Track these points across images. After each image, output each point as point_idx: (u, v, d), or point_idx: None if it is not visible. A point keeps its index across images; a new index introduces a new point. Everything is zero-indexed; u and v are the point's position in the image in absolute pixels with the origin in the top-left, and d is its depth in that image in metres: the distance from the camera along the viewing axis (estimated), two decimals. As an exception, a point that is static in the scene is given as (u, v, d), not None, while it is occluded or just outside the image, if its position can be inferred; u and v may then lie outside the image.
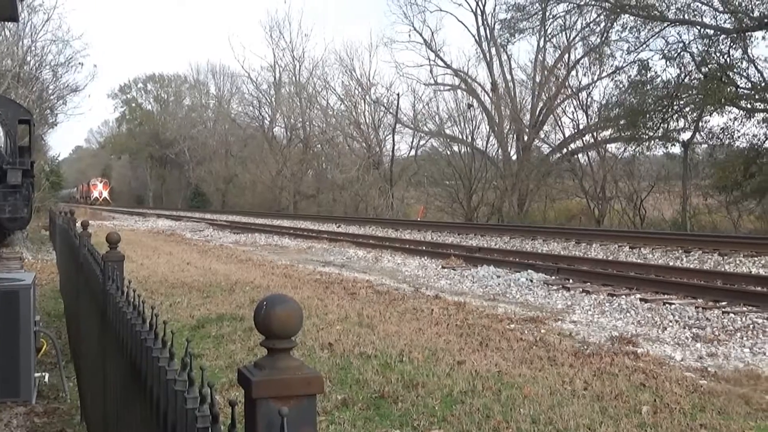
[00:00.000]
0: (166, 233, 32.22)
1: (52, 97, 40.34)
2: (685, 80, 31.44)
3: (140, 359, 2.53)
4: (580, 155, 41.34)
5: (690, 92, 31.01)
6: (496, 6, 52.50)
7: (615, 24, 34.96)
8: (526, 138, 43.22)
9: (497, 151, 45.77)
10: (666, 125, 32.32)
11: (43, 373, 6.89)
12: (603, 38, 37.31)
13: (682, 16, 31.23)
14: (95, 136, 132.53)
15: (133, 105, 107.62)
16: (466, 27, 68.23)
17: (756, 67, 29.71)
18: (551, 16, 39.87)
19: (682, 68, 31.68)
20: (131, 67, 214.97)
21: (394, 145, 53.24)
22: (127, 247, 19.11)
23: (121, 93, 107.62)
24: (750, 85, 29.79)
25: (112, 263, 4.08)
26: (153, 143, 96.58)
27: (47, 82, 39.93)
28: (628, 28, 33.48)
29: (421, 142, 53.28)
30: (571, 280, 14.35)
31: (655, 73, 32.93)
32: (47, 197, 38.30)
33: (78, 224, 7.88)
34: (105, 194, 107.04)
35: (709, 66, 30.22)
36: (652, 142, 33.61)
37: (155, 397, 2.23)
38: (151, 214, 55.88)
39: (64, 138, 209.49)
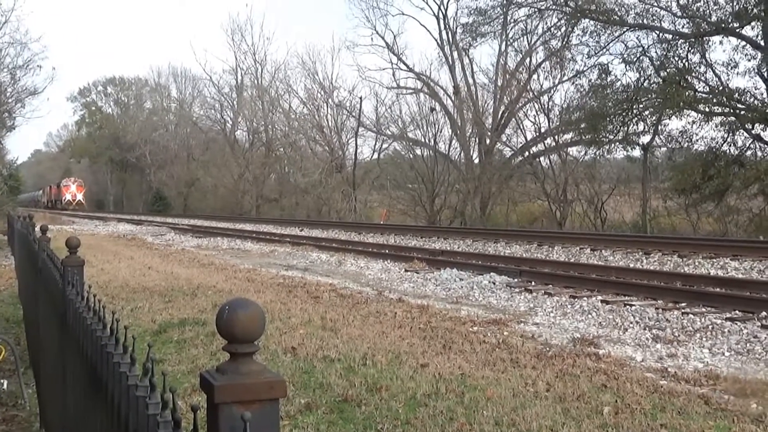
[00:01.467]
0: (127, 237, 31.91)
1: (10, 100, 39.72)
2: (645, 84, 31.83)
3: (101, 365, 2.50)
4: (541, 158, 41.68)
5: (649, 96, 31.37)
6: (458, 10, 52.68)
7: (575, 28, 35.31)
8: (488, 141, 43.45)
9: (460, 154, 45.98)
10: (626, 129, 32.67)
11: (2, 381, 6.80)
12: (564, 42, 37.71)
13: (641, 21, 31.62)
14: (54, 140, 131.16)
15: (93, 108, 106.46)
16: (428, 31, 68.60)
17: (714, 72, 30.18)
18: (512, 21, 40.25)
19: (642, 72, 32.10)
20: (91, 69, 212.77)
21: (356, 148, 53.33)
22: (88, 252, 18.90)
23: (80, 96, 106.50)
24: (708, 89, 30.20)
25: (72, 268, 4.03)
26: (113, 147, 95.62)
27: (5, 84, 39.33)
28: (589, 32, 33.86)
29: (384, 146, 53.40)
30: (533, 283, 14.43)
31: (615, 77, 33.37)
32: (5, 201, 37.78)
33: (37, 229, 7.78)
34: (80, 197, 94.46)
35: (668, 70, 30.61)
36: (613, 145, 33.99)
37: (116, 403, 2.21)
38: (111, 219, 55.30)
39: (23, 142, 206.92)
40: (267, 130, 64.68)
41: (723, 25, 28.82)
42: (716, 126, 29.99)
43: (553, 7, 35.68)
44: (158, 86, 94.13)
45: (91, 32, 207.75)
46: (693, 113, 30.47)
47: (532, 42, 41.53)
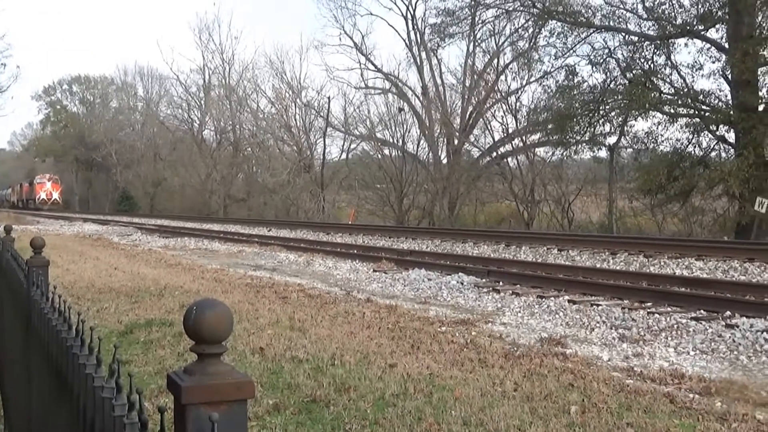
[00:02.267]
0: (92, 238, 31.64)
1: (-27, 99, 39.31)
2: (611, 85, 32.09)
3: (66, 366, 2.48)
4: (509, 159, 41.89)
5: (615, 97, 31.64)
6: (426, 11, 53.04)
7: (543, 30, 35.48)
8: (456, 142, 43.58)
9: (428, 154, 46.11)
10: (593, 129, 32.93)
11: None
12: (531, 44, 37.87)
13: (607, 23, 31.90)
14: (18, 139, 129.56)
15: (58, 107, 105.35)
16: (396, 31, 69.07)
17: (679, 73, 30.49)
18: (480, 22, 40.39)
19: (608, 74, 32.35)
20: (56, 68, 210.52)
21: (325, 148, 53.26)
22: (53, 252, 18.69)
23: (45, 95, 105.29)
24: (673, 90, 30.52)
25: (37, 268, 4.00)
26: (79, 146, 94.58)
27: (-32, 83, 38.88)
28: (556, 33, 34.05)
29: (352, 146, 53.39)
30: (501, 283, 14.49)
31: (582, 78, 33.62)
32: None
33: (0, 228, 7.69)
34: (56, 195, 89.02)
35: (634, 72, 30.92)
36: (580, 146, 34.23)
37: (82, 404, 2.19)
38: (77, 219, 54.74)
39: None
40: (235, 129, 64.42)
41: (688, 28, 29.16)
42: (681, 127, 30.37)
43: (521, 8, 35.86)
44: (125, 85, 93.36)
45: (57, 30, 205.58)
46: (658, 114, 30.82)
47: (500, 43, 41.78)
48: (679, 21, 29.60)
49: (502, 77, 42.48)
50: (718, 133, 29.04)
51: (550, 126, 34.27)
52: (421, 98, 45.99)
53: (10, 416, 5.41)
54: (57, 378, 2.67)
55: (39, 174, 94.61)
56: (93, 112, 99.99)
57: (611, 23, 31.83)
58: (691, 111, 29.57)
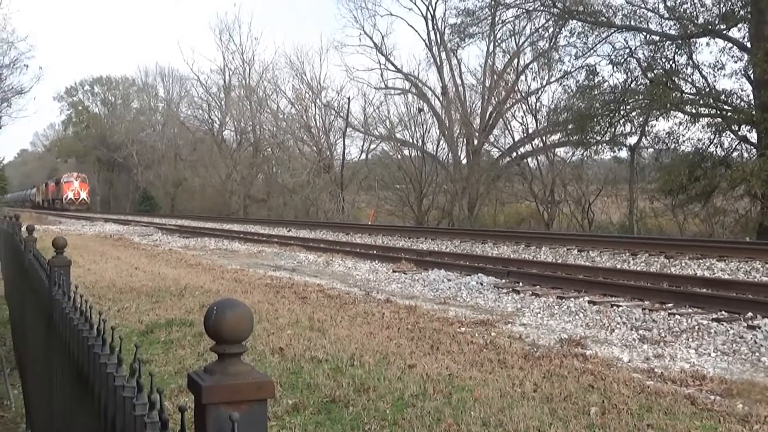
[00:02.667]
0: (114, 238, 31.81)
1: (-4, 100, 39.59)
2: (632, 85, 31.93)
3: (88, 366, 2.49)
4: (529, 159, 41.74)
5: (636, 97, 31.48)
6: (446, 11, 52.89)
7: (563, 29, 35.40)
8: (476, 142, 43.49)
9: (447, 155, 46.03)
10: (613, 129, 32.79)
11: (-13, 381, 6.77)
12: (551, 43, 37.78)
13: (628, 23, 31.76)
14: (41, 140, 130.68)
15: (80, 108, 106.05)
16: (416, 31, 68.75)
17: (700, 73, 30.30)
18: (500, 22, 40.29)
19: (629, 73, 32.20)
20: (78, 69, 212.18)
21: (344, 148, 53.33)
22: (74, 252, 18.83)
23: (67, 95, 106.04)
24: (695, 90, 30.34)
25: (59, 268, 4.02)
26: (100, 147, 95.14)
27: (-9, 84, 39.20)
28: (576, 33, 33.96)
29: (372, 146, 53.39)
30: (520, 283, 14.45)
31: (603, 78, 33.46)
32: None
33: (23, 229, 7.75)
34: (84, 195, 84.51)
35: (655, 71, 30.74)
36: (600, 146, 34.09)
37: (103, 404, 2.20)
38: (98, 219, 55.08)
39: (9, 141, 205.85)
40: (255, 130, 64.57)
41: (710, 27, 28.97)
42: (703, 127, 30.18)
43: (541, 8, 35.78)
44: (145, 86, 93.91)
45: (78, 31, 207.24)
46: (680, 114, 30.64)
47: (520, 43, 41.66)
48: (700, 20, 29.42)
49: (522, 77, 42.40)
50: (740, 133, 28.83)
51: (570, 126, 34.14)
52: (440, 98, 45.95)
53: (32, 415, 5.45)
54: (78, 377, 2.69)
55: (65, 173, 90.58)
56: (114, 112, 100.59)
57: (632, 23, 31.68)
58: (713, 111, 29.37)
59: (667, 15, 30.53)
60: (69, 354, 2.98)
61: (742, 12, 27.97)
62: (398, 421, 5.60)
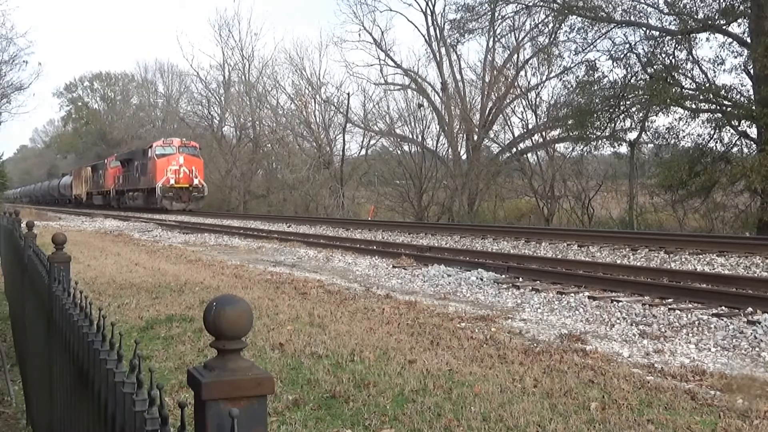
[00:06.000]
0: (113, 234, 31.80)
1: (-5, 96, 39.58)
2: (632, 81, 31.90)
3: (88, 362, 2.49)
4: (529, 155, 41.76)
5: (636, 92, 31.48)
6: (445, 6, 53.04)
7: (563, 25, 35.43)
8: (475, 137, 43.50)
9: (447, 150, 46.07)
10: (613, 125, 32.80)
11: (-13, 377, 6.77)
12: (551, 39, 37.81)
13: (628, 18, 31.75)
14: (40, 136, 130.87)
15: (79, 104, 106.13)
16: (416, 27, 68.93)
17: (700, 68, 30.30)
18: (500, 17, 40.28)
19: (629, 69, 32.18)
20: (77, 65, 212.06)
21: (344, 144, 53.30)
22: (74, 248, 18.84)
23: (66, 91, 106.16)
24: (695, 85, 30.32)
25: (59, 264, 4.02)
26: (100, 142, 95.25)
27: (-9, 80, 39.20)
28: (576, 29, 33.95)
29: (372, 142, 53.41)
30: (521, 279, 14.45)
31: (602, 73, 33.38)
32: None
33: (23, 225, 7.75)
34: (198, 178, 52.90)
35: (655, 67, 30.73)
36: (600, 141, 34.09)
37: (103, 399, 2.20)
38: (98, 215, 55.01)
39: (8, 137, 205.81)
40: (254, 126, 64.54)
41: (710, 22, 28.95)
42: (703, 123, 30.15)
43: (541, 3, 35.76)
44: (145, 82, 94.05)
45: (78, 27, 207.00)
46: (680, 110, 30.63)
47: (520, 38, 41.69)
48: (700, 15, 29.41)
49: (522, 73, 42.46)
50: (740, 128, 28.84)
51: (570, 122, 34.17)
52: (440, 94, 45.94)
53: (33, 410, 5.45)
54: (78, 373, 2.69)
55: (156, 141, 57.07)
56: (114, 108, 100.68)
57: (632, 18, 31.67)
58: (713, 106, 29.35)
59: (666, 10, 30.53)
60: (69, 350, 2.98)
61: (741, 7, 27.93)
62: (398, 417, 5.60)
